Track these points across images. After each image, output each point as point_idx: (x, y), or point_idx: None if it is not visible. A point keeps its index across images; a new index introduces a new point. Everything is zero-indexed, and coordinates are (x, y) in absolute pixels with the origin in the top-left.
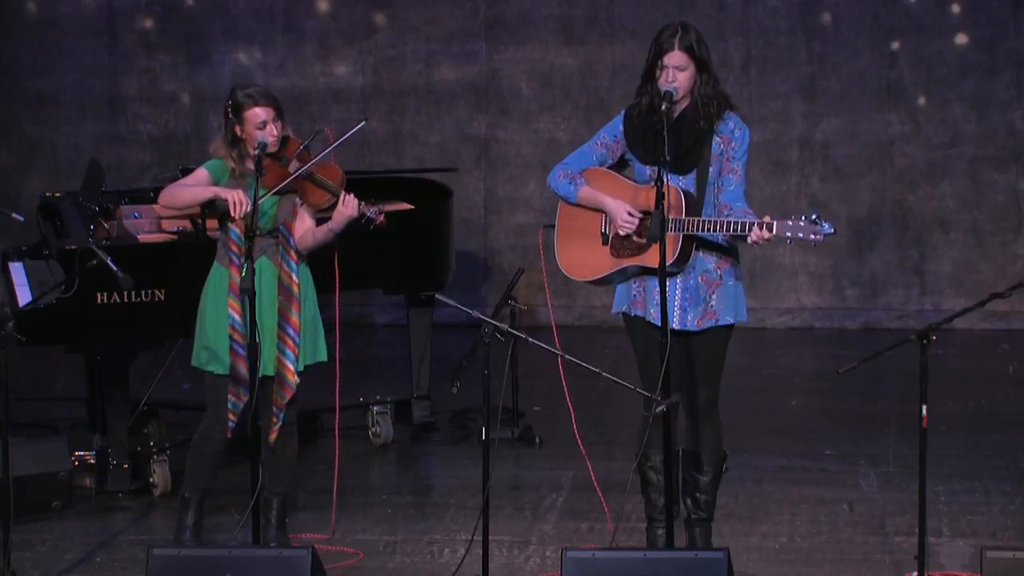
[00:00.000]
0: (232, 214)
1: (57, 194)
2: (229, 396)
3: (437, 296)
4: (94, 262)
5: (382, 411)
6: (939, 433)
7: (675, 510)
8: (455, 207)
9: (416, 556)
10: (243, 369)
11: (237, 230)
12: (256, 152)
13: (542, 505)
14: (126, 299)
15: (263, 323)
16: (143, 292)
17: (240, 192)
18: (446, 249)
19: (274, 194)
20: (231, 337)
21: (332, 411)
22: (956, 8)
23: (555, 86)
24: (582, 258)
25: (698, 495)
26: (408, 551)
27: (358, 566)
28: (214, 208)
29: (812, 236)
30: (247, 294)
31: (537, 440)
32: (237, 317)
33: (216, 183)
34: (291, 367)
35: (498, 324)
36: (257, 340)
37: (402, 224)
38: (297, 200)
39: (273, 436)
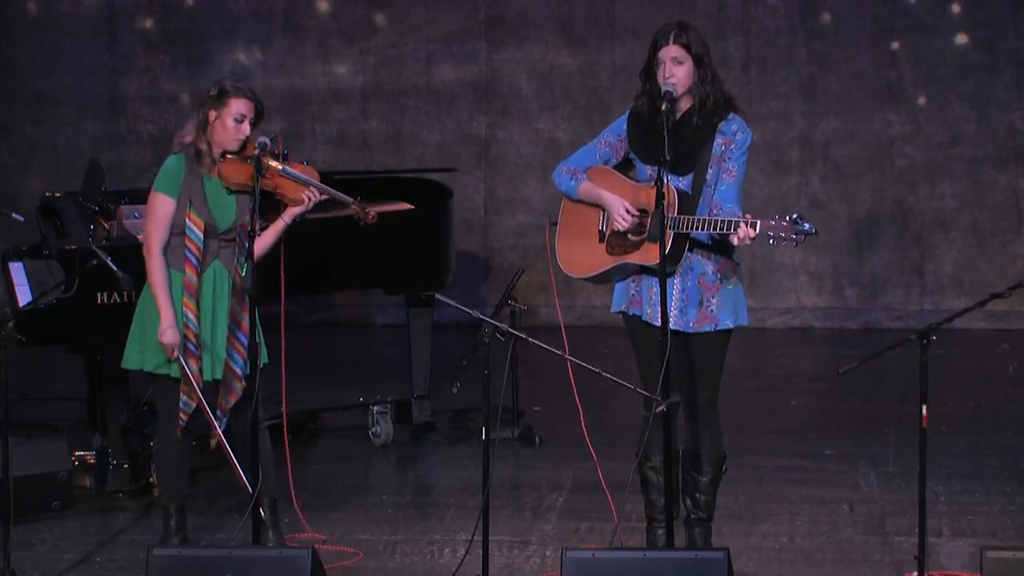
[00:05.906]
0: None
1: (57, 194)
2: (181, 395)
3: (437, 296)
4: (94, 262)
5: (382, 411)
6: (939, 433)
7: (675, 510)
8: (455, 207)
9: (416, 556)
10: (195, 368)
11: (197, 230)
12: (256, 152)
13: (542, 505)
14: (126, 299)
15: (216, 327)
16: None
17: (169, 343)
18: (446, 249)
19: (237, 192)
20: (185, 336)
21: (332, 411)
22: (956, 8)
23: (555, 86)
24: (580, 255)
25: (698, 495)
26: (408, 551)
27: (358, 566)
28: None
29: (793, 236)
30: (247, 294)
31: (537, 440)
32: (193, 317)
33: (174, 189)
34: (238, 372)
35: (498, 324)
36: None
37: (402, 224)
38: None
39: (214, 440)
